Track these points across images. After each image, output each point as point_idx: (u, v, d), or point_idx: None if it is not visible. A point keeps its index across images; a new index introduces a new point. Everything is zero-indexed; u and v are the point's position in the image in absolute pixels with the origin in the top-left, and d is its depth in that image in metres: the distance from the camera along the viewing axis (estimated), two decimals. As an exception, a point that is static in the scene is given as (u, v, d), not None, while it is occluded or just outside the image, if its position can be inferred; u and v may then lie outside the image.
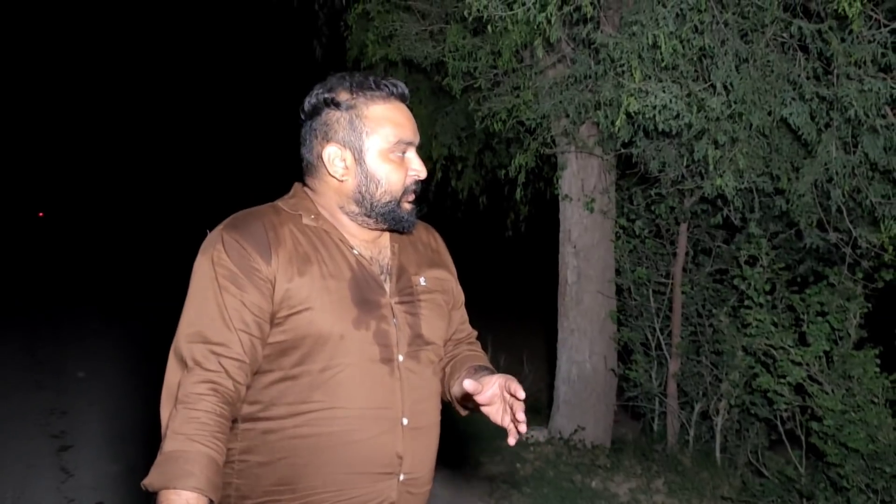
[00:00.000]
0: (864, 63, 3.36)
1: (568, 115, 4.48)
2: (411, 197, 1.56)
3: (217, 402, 1.38)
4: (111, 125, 24.45)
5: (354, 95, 1.52)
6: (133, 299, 12.33)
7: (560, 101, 4.35)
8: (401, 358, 1.52)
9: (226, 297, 1.42)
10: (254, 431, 1.47)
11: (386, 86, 1.53)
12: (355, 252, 1.54)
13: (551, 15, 3.58)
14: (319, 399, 1.44)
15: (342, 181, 1.54)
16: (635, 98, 3.58)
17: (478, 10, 3.75)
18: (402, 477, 1.49)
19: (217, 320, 1.41)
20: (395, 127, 1.52)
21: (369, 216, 1.54)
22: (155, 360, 7.79)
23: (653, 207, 4.87)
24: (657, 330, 5.06)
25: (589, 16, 3.70)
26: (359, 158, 1.52)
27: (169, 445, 1.37)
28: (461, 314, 1.80)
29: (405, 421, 1.50)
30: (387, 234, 1.63)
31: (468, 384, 1.40)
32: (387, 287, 1.55)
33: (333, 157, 1.53)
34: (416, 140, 1.56)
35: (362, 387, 1.46)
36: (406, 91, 1.57)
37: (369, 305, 1.50)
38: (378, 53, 5.22)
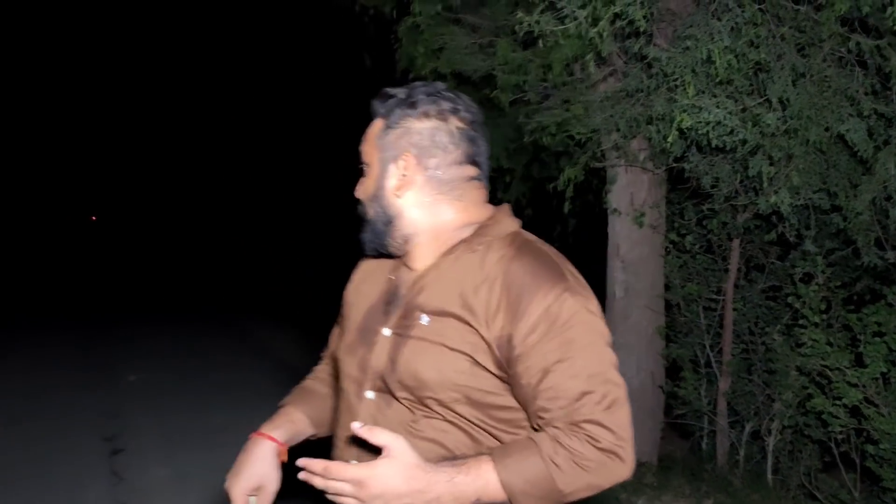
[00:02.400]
0: (926, 79, 3.28)
1: (619, 130, 4.44)
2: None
3: (313, 376, 1.79)
4: (163, 129, 24.96)
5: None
6: (184, 302, 12.57)
7: (611, 116, 4.32)
8: (369, 394, 1.42)
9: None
10: None
11: None
12: (392, 277, 1.50)
13: (603, 29, 3.56)
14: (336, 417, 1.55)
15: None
16: (688, 114, 3.54)
17: (529, 25, 3.75)
18: None
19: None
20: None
21: None
22: (207, 366, 7.97)
23: (704, 222, 4.80)
24: (707, 347, 4.98)
25: (642, 30, 3.68)
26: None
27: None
28: (531, 381, 1.31)
29: (354, 462, 1.32)
30: (444, 263, 1.41)
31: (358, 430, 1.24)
32: (391, 317, 1.44)
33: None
34: (363, 158, 1.49)
35: (342, 416, 1.48)
36: (374, 108, 1.48)
37: (367, 333, 1.46)
38: (427, 66, 5.24)
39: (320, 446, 1.61)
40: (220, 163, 23.61)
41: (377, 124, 1.46)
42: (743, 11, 3.51)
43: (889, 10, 3.08)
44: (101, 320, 10.76)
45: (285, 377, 7.05)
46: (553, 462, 1.25)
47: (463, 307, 1.33)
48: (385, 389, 1.39)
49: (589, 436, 1.25)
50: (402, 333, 1.39)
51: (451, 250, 1.41)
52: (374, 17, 6.38)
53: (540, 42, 3.94)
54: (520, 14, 3.79)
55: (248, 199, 22.41)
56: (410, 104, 1.41)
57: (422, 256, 1.44)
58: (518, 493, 1.25)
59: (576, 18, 3.65)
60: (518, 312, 1.29)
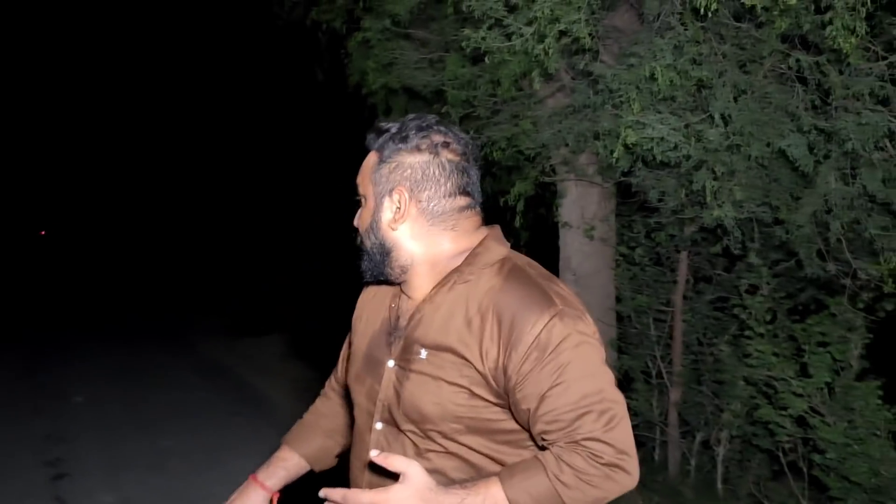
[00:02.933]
0: (862, 96, 3.35)
1: (567, 145, 4.48)
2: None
3: (321, 399, 1.89)
4: (111, 144, 24.51)
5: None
6: (136, 321, 12.32)
7: (559, 131, 4.35)
8: (378, 425, 1.49)
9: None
10: None
11: None
12: (392, 306, 1.56)
13: (549, 46, 3.58)
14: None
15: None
16: (633, 129, 3.58)
17: (476, 42, 3.76)
18: None
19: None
20: None
21: None
22: (156, 385, 7.80)
23: (653, 235, 4.86)
24: (658, 358, 5.03)
25: (587, 47, 3.70)
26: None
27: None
28: (531, 407, 1.35)
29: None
30: (438, 295, 1.46)
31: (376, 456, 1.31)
32: (394, 348, 1.50)
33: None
34: (359, 190, 1.55)
35: (356, 441, 1.58)
36: (368, 142, 1.53)
37: (373, 363, 1.54)
38: (378, 81, 5.23)
39: (342, 469, 1.70)
40: (170, 178, 23.28)
41: (371, 158, 1.51)
42: (686, 30, 3.56)
43: (828, 28, 3.14)
44: (47, 339, 10.47)
45: (237, 397, 6.98)
46: (558, 479, 1.30)
47: (458, 341, 1.38)
48: (392, 421, 1.46)
49: (591, 453, 1.30)
50: (404, 367, 1.46)
51: (445, 280, 1.45)
52: (326, 32, 6.35)
53: (487, 58, 3.95)
54: (467, 30, 3.79)
55: (199, 213, 22.13)
56: (402, 138, 1.46)
57: (420, 286, 1.49)
58: None
59: (522, 35, 3.67)
60: (510, 343, 1.33)
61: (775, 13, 3.30)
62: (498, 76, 4.30)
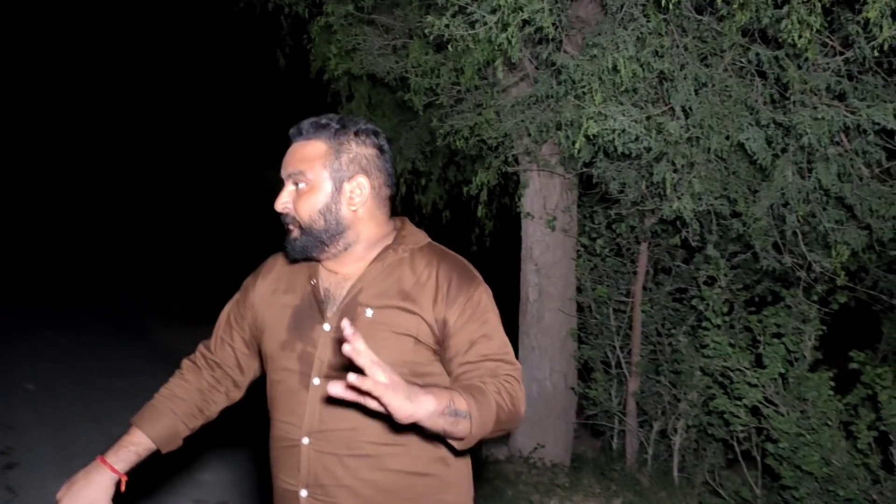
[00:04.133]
0: (819, 91, 3.40)
1: (530, 135, 4.47)
2: (288, 227, 1.70)
3: (182, 373, 1.94)
4: (67, 126, 23.99)
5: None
6: (89, 308, 12.08)
7: (522, 121, 4.34)
8: (316, 381, 1.66)
9: (227, 311, 1.93)
10: None
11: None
12: (312, 282, 1.74)
13: (512, 35, 3.56)
14: (270, 407, 1.77)
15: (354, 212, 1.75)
16: (595, 121, 3.58)
17: (439, 29, 3.73)
18: (303, 493, 1.66)
19: (216, 326, 1.94)
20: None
21: None
22: (109, 373, 7.62)
23: (613, 226, 4.89)
24: (617, 348, 5.07)
25: (551, 36, 3.70)
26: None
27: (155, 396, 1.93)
28: (459, 350, 1.64)
29: (305, 441, 1.66)
30: (361, 265, 1.72)
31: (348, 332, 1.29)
32: (329, 314, 1.69)
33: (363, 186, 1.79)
34: (286, 173, 1.70)
35: (283, 401, 1.72)
36: (299, 129, 1.72)
37: (301, 331, 1.71)
38: (340, 67, 5.17)
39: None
40: (130, 163, 22.87)
41: (319, 146, 1.69)
42: (648, 21, 3.57)
43: (784, 22, 3.17)
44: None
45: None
46: (498, 395, 1.54)
47: (405, 299, 1.65)
48: (332, 375, 1.63)
49: (511, 388, 1.58)
50: None
51: (381, 256, 1.71)
52: (288, 16, 6.25)
53: (451, 46, 3.92)
54: (430, 17, 3.76)
55: (152, 195, 21.83)
56: (355, 133, 1.70)
57: (351, 262, 1.71)
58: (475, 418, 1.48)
59: (485, 23, 3.65)
60: (450, 301, 1.65)
61: (735, 6, 3.33)
62: (461, 64, 4.28)
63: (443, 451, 1.69)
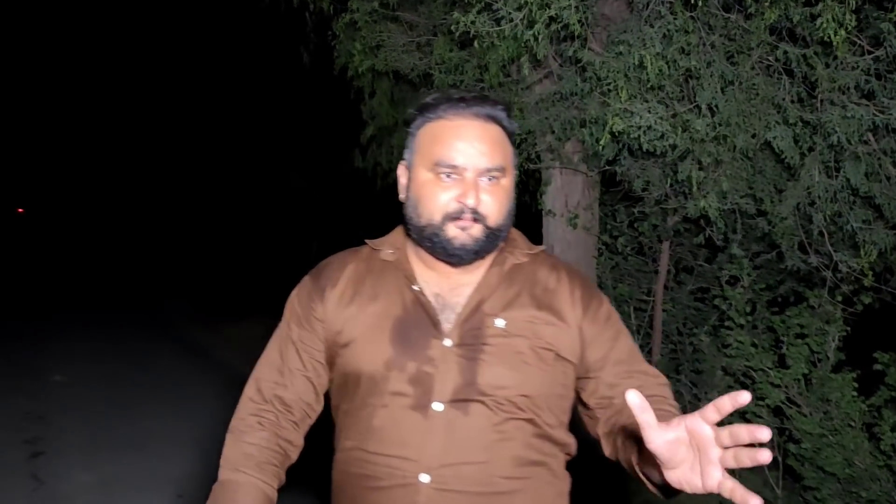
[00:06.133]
0: (848, 89, 3.37)
1: (553, 132, 4.47)
2: (459, 223, 1.39)
3: (264, 435, 1.48)
4: (93, 121, 24.21)
5: (420, 113, 1.48)
6: (113, 300, 12.21)
7: (546, 118, 4.34)
8: (439, 407, 1.38)
9: (288, 338, 1.53)
10: (334, 460, 1.53)
11: (448, 103, 1.43)
12: (415, 288, 1.47)
13: (539, 32, 3.57)
14: (353, 438, 1.45)
15: (403, 203, 1.50)
16: (620, 118, 3.58)
17: (464, 26, 3.74)
18: None
19: (276, 360, 1.53)
20: (440, 146, 1.41)
21: (420, 243, 1.47)
22: (137, 367, 7.74)
23: (636, 225, 4.88)
24: (637, 347, 5.05)
25: (576, 34, 3.70)
26: (411, 177, 1.47)
27: (221, 474, 1.46)
28: (610, 367, 1.48)
29: (424, 478, 1.36)
30: (479, 272, 1.49)
31: (633, 401, 1.04)
32: (446, 327, 1.43)
33: (400, 175, 1.53)
34: (468, 164, 1.39)
35: (388, 431, 1.40)
36: (485, 110, 1.43)
37: (412, 346, 1.42)
38: (365, 64, 5.19)
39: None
40: (154, 161, 23.03)
41: (501, 134, 1.45)
42: (675, 19, 3.56)
43: (819, 20, 3.15)
44: (25, 318, 10.36)
45: (216, 378, 6.93)
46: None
47: (539, 307, 1.46)
48: (459, 399, 1.38)
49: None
50: (471, 342, 1.41)
51: (496, 261, 1.50)
52: (313, 13, 6.29)
53: (476, 43, 3.93)
54: (456, 14, 3.77)
55: (182, 194, 21.95)
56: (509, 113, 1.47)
57: (473, 266, 1.47)
58: None
59: (511, 20, 3.65)
60: (588, 309, 1.48)
61: (765, 4, 3.31)
62: (486, 61, 4.28)
63: (565, 486, 1.51)
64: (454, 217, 1.39)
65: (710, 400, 3.93)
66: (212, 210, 19.71)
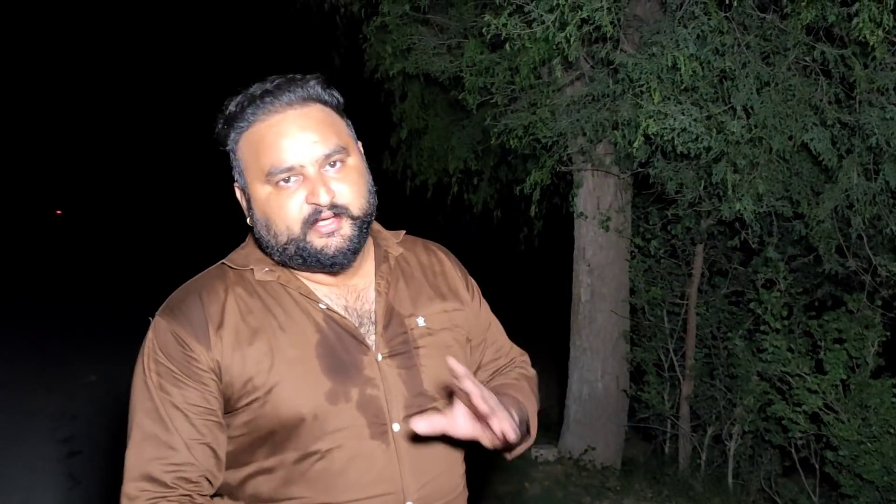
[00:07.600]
0: (887, 90, 3.31)
1: (585, 134, 4.44)
2: (321, 227, 1.22)
3: None
4: (130, 123, 24.61)
5: (228, 126, 1.27)
6: (151, 302, 12.36)
7: (577, 120, 4.31)
8: (396, 427, 1.25)
9: (166, 404, 1.23)
10: None
11: (254, 104, 1.24)
12: (322, 306, 1.27)
13: (571, 34, 3.55)
14: (299, 494, 1.22)
15: (252, 227, 1.31)
16: (654, 120, 3.54)
17: (496, 28, 3.73)
18: None
19: (159, 434, 1.23)
20: (265, 153, 1.22)
21: (288, 263, 1.27)
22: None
23: (669, 227, 4.83)
24: (671, 351, 5.00)
25: (609, 35, 3.67)
26: (251, 198, 1.28)
27: None
28: (493, 340, 1.51)
29: None
30: (367, 271, 1.34)
31: (453, 366, 1.08)
32: (370, 341, 1.28)
33: (239, 199, 1.33)
34: (303, 160, 1.21)
35: (351, 473, 1.22)
36: (297, 93, 1.24)
37: (347, 371, 1.24)
38: (395, 66, 5.20)
39: None
40: (191, 161, 23.32)
41: (329, 112, 1.27)
42: (709, 19, 3.52)
43: (855, 20, 3.10)
44: (60, 317, 10.53)
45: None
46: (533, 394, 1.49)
47: (443, 297, 1.39)
48: (412, 413, 1.25)
49: (534, 384, 1.53)
50: (402, 349, 1.30)
51: (378, 256, 1.37)
52: (344, 16, 6.32)
53: (507, 45, 3.92)
54: (487, 16, 3.76)
55: (215, 196, 22.17)
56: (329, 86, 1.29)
57: (363, 263, 1.34)
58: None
59: (543, 22, 3.63)
60: (471, 286, 1.47)
61: (801, 4, 3.26)
62: (517, 63, 4.26)
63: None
64: (314, 221, 1.21)
65: (745, 405, 3.86)
66: (242, 212, 19.87)
